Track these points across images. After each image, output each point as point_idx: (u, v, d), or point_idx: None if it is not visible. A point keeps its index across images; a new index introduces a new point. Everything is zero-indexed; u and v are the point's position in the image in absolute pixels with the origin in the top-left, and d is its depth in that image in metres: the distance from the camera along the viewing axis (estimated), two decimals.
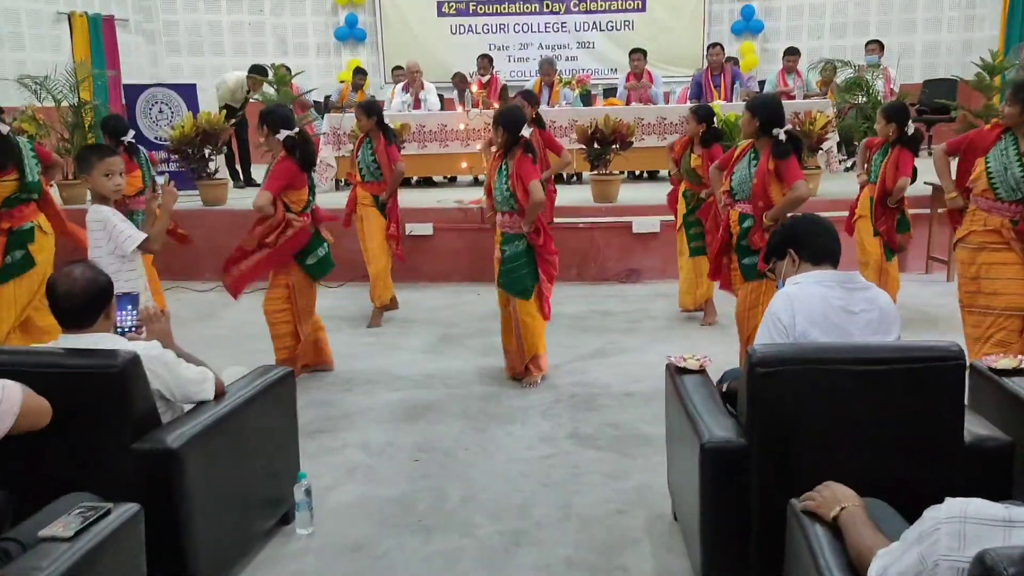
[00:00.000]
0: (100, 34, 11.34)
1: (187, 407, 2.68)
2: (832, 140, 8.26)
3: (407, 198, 7.85)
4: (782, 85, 9.54)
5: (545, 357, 4.76)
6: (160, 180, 3.92)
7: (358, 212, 5.99)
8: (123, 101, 9.31)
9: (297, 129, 4.49)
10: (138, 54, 12.24)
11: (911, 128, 5.24)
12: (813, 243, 2.70)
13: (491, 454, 3.77)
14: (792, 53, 9.76)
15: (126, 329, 2.76)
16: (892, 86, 9.09)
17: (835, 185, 7.68)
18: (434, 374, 4.89)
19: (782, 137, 3.96)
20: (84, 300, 2.48)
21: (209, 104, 8.95)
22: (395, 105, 9.22)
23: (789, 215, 2.94)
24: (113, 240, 3.56)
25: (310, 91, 9.05)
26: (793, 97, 9.15)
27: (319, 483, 3.43)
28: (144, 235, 3.61)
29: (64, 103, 7.95)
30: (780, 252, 2.81)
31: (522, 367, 4.68)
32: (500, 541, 3.05)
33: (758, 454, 2.30)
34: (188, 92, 8.48)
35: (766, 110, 4.03)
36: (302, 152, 4.40)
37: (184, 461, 2.39)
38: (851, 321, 2.53)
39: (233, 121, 8.16)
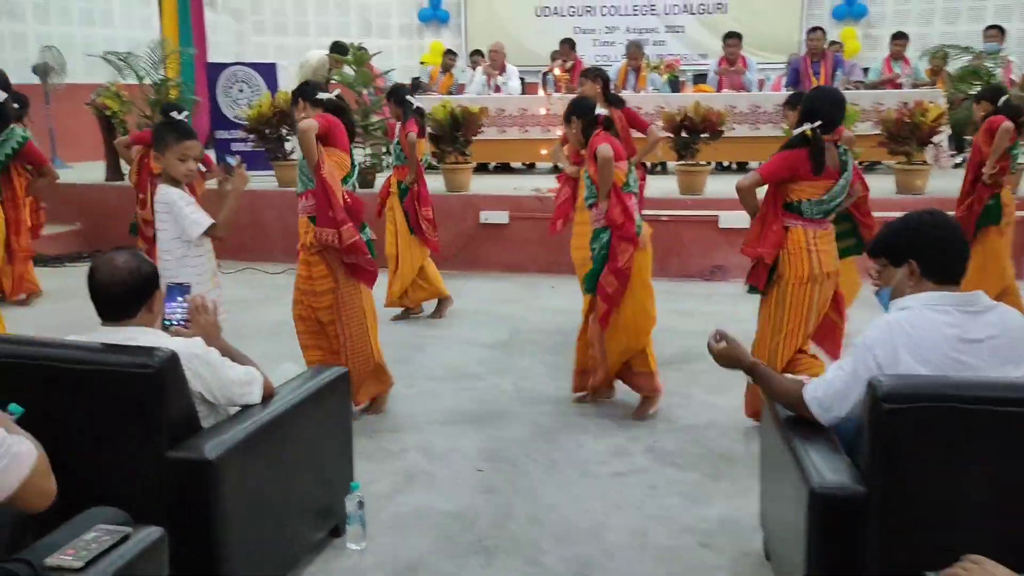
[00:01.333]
0: (188, 12, 11.36)
1: (232, 410, 2.46)
2: (943, 133, 7.60)
3: (483, 183, 7.63)
4: (887, 72, 8.89)
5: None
6: (232, 162, 3.70)
7: (388, 202, 5.67)
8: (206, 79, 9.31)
9: (335, 93, 4.08)
10: (225, 33, 12.30)
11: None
12: (943, 257, 2.23)
13: (560, 467, 3.47)
14: (900, 37, 9.07)
15: (174, 322, 2.56)
16: (1012, 76, 8.33)
17: (945, 182, 7.04)
18: (503, 373, 4.61)
19: (805, 130, 3.44)
20: (124, 290, 2.28)
21: (290, 84, 8.85)
22: (474, 88, 8.95)
23: (916, 211, 2.31)
24: (179, 224, 3.36)
25: (388, 71, 8.85)
26: (900, 86, 8.50)
27: (375, 489, 3.21)
28: (211, 220, 3.39)
29: (147, 80, 7.95)
30: (896, 257, 2.29)
31: (602, 384, 4.13)
32: (566, 569, 2.75)
33: (880, 506, 1.93)
34: (268, 71, 8.39)
35: (806, 102, 3.65)
36: (345, 119, 3.97)
37: (222, 472, 2.17)
38: (972, 352, 2.08)
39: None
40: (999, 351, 2.10)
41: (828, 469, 2.05)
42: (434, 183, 7.40)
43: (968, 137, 8.62)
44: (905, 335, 2.12)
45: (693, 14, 12.46)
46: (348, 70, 7.74)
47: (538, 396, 4.28)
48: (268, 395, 2.51)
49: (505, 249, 7.03)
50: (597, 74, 5.12)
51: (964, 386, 1.93)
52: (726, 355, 2.55)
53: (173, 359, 2.17)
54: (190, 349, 2.32)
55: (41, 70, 8.96)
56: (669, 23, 12.54)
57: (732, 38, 8.72)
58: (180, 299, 2.60)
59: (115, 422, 2.16)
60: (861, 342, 2.20)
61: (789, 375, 2.56)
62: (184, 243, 3.38)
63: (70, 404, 2.17)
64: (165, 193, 3.37)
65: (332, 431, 2.83)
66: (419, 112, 5.61)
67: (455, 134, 7.11)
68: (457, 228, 7.08)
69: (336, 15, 12.63)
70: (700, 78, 9.64)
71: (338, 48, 8.58)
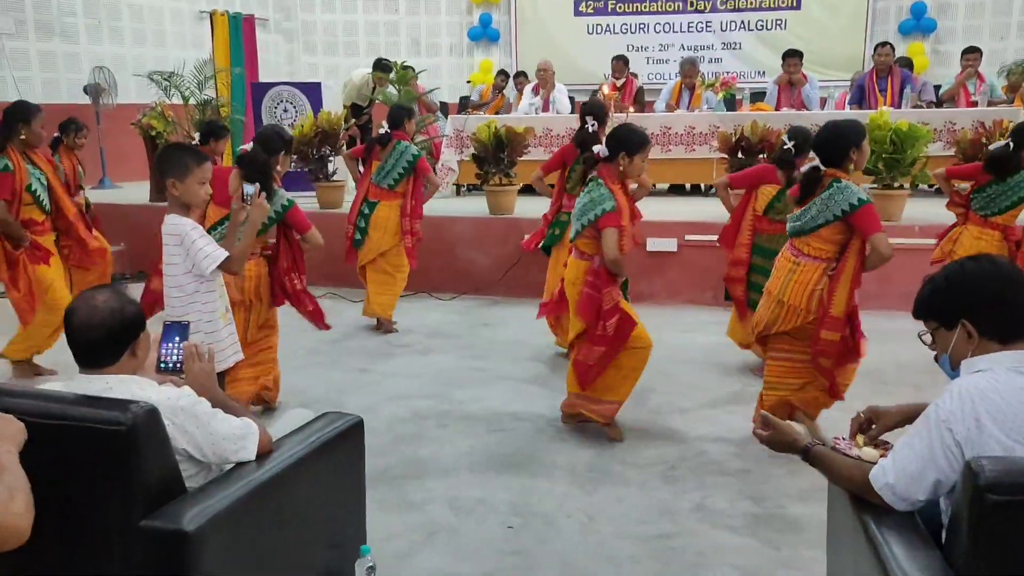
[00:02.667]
0: (240, 32, 11.43)
1: (227, 467, 2.20)
2: None
3: (528, 206, 7.34)
4: (963, 90, 8.36)
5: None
6: (249, 190, 3.34)
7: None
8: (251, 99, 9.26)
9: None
10: (276, 53, 12.33)
11: None
12: (1004, 310, 1.85)
13: (598, 526, 3.13)
14: (972, 51, 8.53)
15: (169, 364, 2.31)
16: None
17: None
18: (541, 414, 4.29)
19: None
20: (103, 334, 2.04)
21: (334, 103, 8.74)
22: (522, 107, 8.70)
23: (960, 260, 1.99)
24: (191, 258, 3.13)
25: (433, 90, 8.66)
26: (975, 104, 7.97)
27: (392, 548, 2.92)
28: (225, 253, 3.16)
29: (192, 100, 7.89)
30: (947, 318, 1.94)
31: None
32: None
33: None
34: (313, 91, 8.26)
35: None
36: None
37: (202, 546, 1.90)
38: None
39: (353, 121, 7.87)
40: None
41: (916, 567, 1.69)
42: (477, 205, 7.18)
43: None
44: (988, 403, 1.75)
45: (751, 31, 12.03)
46: (392, 89, 7.56)
47: (576, 439, 3.95)
48: (266, 450, 2.24)
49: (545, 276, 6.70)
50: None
51: None
52: (776, 442, 2.27)
53: (151, 414, 1.92)
54: (176, 401, 2.06)
55: (92, 90, 9.00)
56: (725, 40, 12.14)
57: (792, 57, 8.29)
58: (178, 339, 2.35)
59: (86, 485, 1.91)
60: (933, 414, 1.83)
61: (849, 456, 2.20)
62: (196, 278, 3.15)
63: (37, 463, 1.92)
64: (176, 223, 3.14)
65: (342, 487, 2.55)
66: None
67: (499, 155, 6.85)
68: (500, 252, 6.81)
69: (386, 35, 12.56)
70: (758, 96, 9.23)
71: (381, 66, 8.43)
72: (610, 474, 3.57)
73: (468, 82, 10.49)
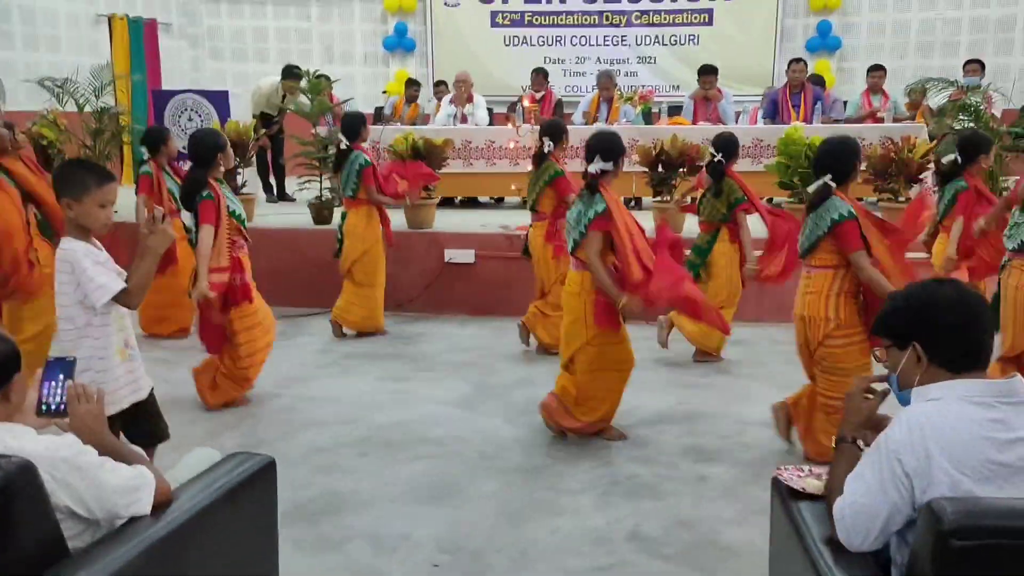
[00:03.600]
0: (141, 37, 10.88)
1: (119, 523, 1.95)
2: (931, 170, 7.29)
3: (448, 220, 7.18)
4: (867, 107, 8.62)
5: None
6: (156, 214, 2.92)
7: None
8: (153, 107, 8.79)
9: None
10: (180, 59, 11.81)
11: None
12: (956, 341, 1.79)
13: (530, 561, 2.98)
14: (877, 70, 8.81)
15: (52, 407, 2.05)
16: (993, 111, 8.08)
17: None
18: (467, 437, 4.11)
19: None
20: None
21: (243, 112, 8.38)
22: (440, 118, 8.52)
23: (927, 281, 1.95)
24: (82, 288, 2.78)
25: (347, 100, 8.39)
26: (881, 120, 8.22)
27: None
28: (121, 285, 2.81)
29: (88, 108, 7.41)
30: (900, 338, 1.88)
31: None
32: None
33: None
34: (220, 99, 7.88)
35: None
36: None
37: None
38: (1020, 455, 1.66)
39: (264, 132, 7.53)
40: None
41: None
42: (395, 219, 6.95)
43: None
44: (939, 434, 1.69)
45: (665, 45, 12.19)
46: (304, 99, 7.26)
47: (504, 464, 3.79)
48: (163, 502, 2.00)
49: (471, 290, 6.55)
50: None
51: None
52: (864, 414, 2.02)
53: (25, 470, 1.66)
54: (55, 452, 1.81)
55: None
56: (641, 54, 12.26)
57: (707, 74, 8.37)
58: (62, 378, 2.08)
59: None
60: (884, 444, 1.76)
61: (793, 488, 2.13)
62: (87, 310, 2.80)
63: None
64: (68, 248, 2.80)
65: (252, 536, 2.32)
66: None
67: None
68: (420, 268, 6.61)
69: (297, 42, 12.19)
70: (675, 110, 9.31)
71: (291, 73, 8.09)
72: (542, 503, 3.42)
73: (383, 92, 10.25)
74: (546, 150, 5.14)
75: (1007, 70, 10.83)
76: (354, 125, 5.73)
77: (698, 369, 5.22)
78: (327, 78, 7.86)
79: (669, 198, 6.65)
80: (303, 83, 7.38)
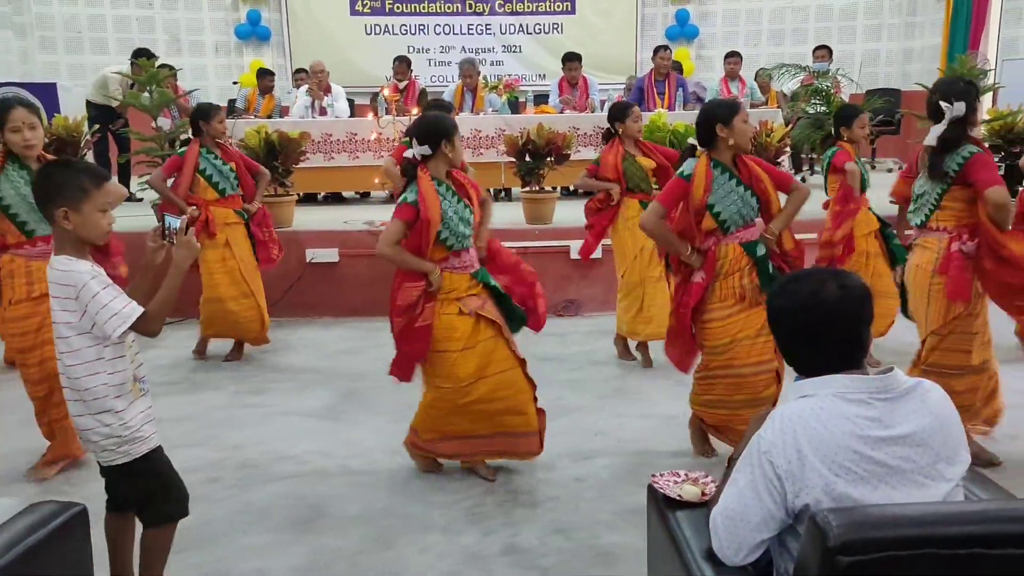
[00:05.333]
0: None
1: None
2: (786, 153, 7.51)
3: (309, 217, 6.81)
4: (726, 92, 8.80)
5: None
6: (174, 224, 2.38)
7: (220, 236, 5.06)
8: None
9: None
10: (6, 50, 10.75)
11: None
12: (815, 344, 1.69)
13: None
14: (733, 56, 9.03)
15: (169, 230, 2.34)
16: (842, 95, 8.43)
17: None
18: (331, 452, 3.82)
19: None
20: None
21: (75, 107, 7.67)
22: (296, 110, 8.09)
23: (794, 275, 1.83)
24: (90, 317, 2.26)
25: (192, 91, 7.83)
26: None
27: None
28: (139, 310, 2.29)
29: None
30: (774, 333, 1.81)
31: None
32: None
33: None
34: (47, 93, 7.19)
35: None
36: None
37: None
38: (898, 452, 1.57)
39: (97, 128, 6.88)
40: (928, 448, 1.59)
41: None
42: None
43: (808, 156, 8.71)
44: (811, 432, 1.58)
45: (530, 34, 12.12)
46: (144, 93, 6.67)
47: (372, 480, 3.53)
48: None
49: (336, 291, 6.22)
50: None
51: (942, 519, 1.38)
52: None
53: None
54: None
55: None
56: (506, 43, 12.14)
57: (572, 60, 8.33)
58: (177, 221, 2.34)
59: None
60: (755, 446, 1.64)
61: (668, 496, 2.02)
62: (97, 341, 2.30)
63: None
64: (68, 269, 2.28)
65: None
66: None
67: (273, 163, 6.24)
68: (280, 269, 6.17)
69: (140, 31, 11.34)
70: (541, 99, 9.23)
71: (144, 54, 7.38)
72: (411, 519, 3.18)
73: (234, 84, 9.65)
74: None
75: (852, 56, 11.38)
76: (192, 118, 5.12)
77: (573, 362, 5.10)
78: (170, 67, 7.28)
79: (538, 188, 6.53)
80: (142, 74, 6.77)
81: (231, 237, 5.07)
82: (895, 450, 1.57)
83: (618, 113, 4.87)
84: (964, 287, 3.29)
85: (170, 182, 5.03)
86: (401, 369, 3.47)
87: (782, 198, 3.49)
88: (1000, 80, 9.36)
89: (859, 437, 1.57)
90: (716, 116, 3.32)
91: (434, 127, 3.35)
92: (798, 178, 8.58)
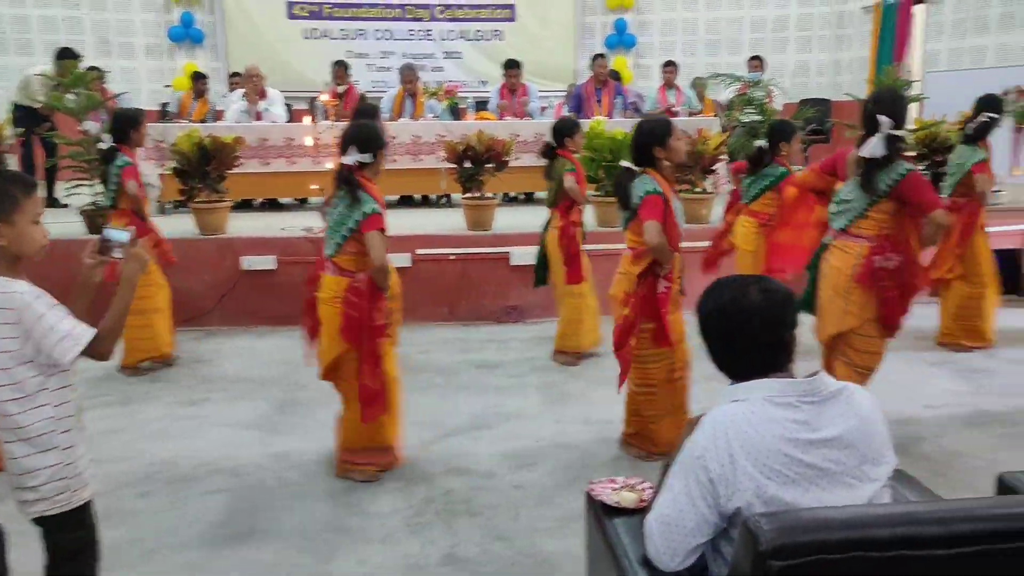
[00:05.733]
0: None
1: None
2: (723, 161, 7.64)
3: (244, 223, 6.68)
4: (663, 101, 8.93)
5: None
6: (121, 237, 2.19)
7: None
8: None
9: None
10: None
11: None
12: (739, 349, 1.72)
13: None
14: (670, 65, 9.18)
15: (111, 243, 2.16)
16: (775, 104, 8.62)
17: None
18: (266, 463, 3.74)
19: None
20: None
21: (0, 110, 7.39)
22: (231, 115, 7.93)
23: (717, 283, 1.82)
24: (34, 342, 2.02)
25: (120, 95, 7.61)
26: (676, 114, 8.53)
27: None
28: (91, 331, 2.06)
29: None
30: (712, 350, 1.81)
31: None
32: None
33: None
34: None
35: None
36: None
37: None
38: (825, 453, 1.60)
39: (22, 131, 6.63)
40: (854, 448, 1.63)
41: None
42: (184, 225, 6.39)
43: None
44: (742, 436, 1.60)
45: (470, 40, 12.12)
46: (69, 96, 6.45)
47: (308, 491, 3.47)
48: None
49: (273, 299, 6.09)
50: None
51: (871, 522, 1.41)
52: None
53: None
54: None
55: None
56: (446, 49, 12.12)
57: (512, 67, 8.36)
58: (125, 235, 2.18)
59: None
60: (689, 451, 1.66)
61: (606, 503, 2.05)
62: (41, 370, 2.06)
63: None
64: (8, 291, 2.03)
65: None
66: None
67: (205, 168, 6.10)
68: (213, 278, 6.07)
69: (67, 32, 10.95)
70: (481, 105, 9.24)
71: (68, 54, 7.13)
72: (348, 531, 3.13)
73: (167, 87, 9.40)
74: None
75: (784, 66, 11.68)
76: (121, 124, 4.90)
77: (514, 369, 5.10)
78: (96, 69, 7.06)
79: (479, 194, 6.52)
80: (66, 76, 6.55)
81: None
82: (823, 452, 1.61)
83: (569, 131, 5.00)
84: (898, 312, 3.44)
85: None
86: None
87: None
88: (924, 91, 9.73)
89: (788, 440, 1.60)
90: (652, 138, 3.43)
91: (376, 135, 3.38)
92: (734, 185, 8.79)
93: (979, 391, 4.59)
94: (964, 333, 5.26)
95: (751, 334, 1.69)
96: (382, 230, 3.30)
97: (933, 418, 4.14)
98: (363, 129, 3.45)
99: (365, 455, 3.51)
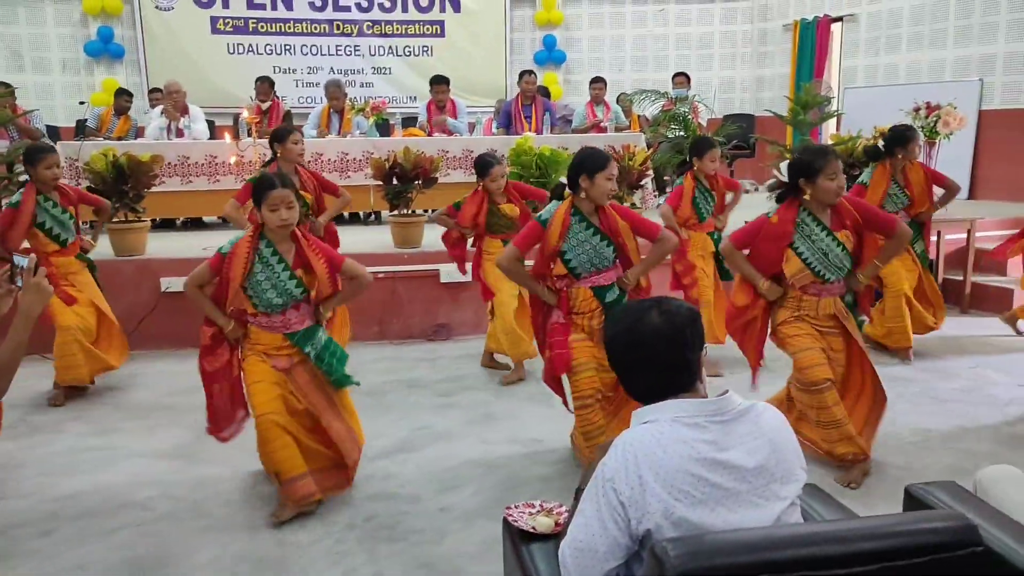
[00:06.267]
0: None
1: None
2: (649, 176, 7.74)
3: (164, 244, 6.47)
4: (591, 117, 9.01)
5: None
6: (22, 263, 2.09)
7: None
8: None
9: None
10: None
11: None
12: (643, 370, 1.72)
13: None
14: (598, 81, 9.25)
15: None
16: (700, 120, 8.80)
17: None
18: (181, 495, 3.59)
19: None
20: None
21: None
22: (150, 131, 7.70)
23: (625, 308, 1.82)
24: None
25: (32, 111, 7.32)
26: (605, 129, 8.62)
27: None
28: None
29: None
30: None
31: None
32: None
33: None
34: None
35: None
36: None
37: None
38: (734, 473, 1.60)
39: None
40: (764, 467, 1.63)
41: None
42: (100, 246, 6.15)
43: (669, 178, 9.01)
44: (651, 458, 1.59)
45: (399, 56, 12.05)
46: None
47: (226, 523, 3.34)
48: None
49: (195, 321, 5.86)
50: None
51: (774, 544, 1.40)
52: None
53: None
54: None
55: None
56: (376, 64, 12.02)
57: (440, 83, 8.31)
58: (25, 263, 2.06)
59: None
60: (600, 474, 1.64)
61: (522, 529, 2.03)
62: None
63: None
64: None
65: None
66: None
67: (122, 187, 5.89)
68: (131, 300, 5.85)
69: None
70: (410, 121, 9.18)
71: None
72: (266, 563, 3.02)
73: (81, 103, 9.08)
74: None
75: (709, 83, 11.93)
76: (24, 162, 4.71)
77: (442, 388, 5.04)
78: (6, 85, 6.78)
79: (409, 211, 6.45)
80: None
81: (78, 283, 4.80)
82: (731, 472, 1.60)
83: (480, 170, 4.94)
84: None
85: None
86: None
87: None
88: (842, 107, 10.05)
89: (696, 460, 1.58)
90: (583, 167, 3.39)
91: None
92: (661, 199, 8.92)
93: (895, 400, 4.70)
94: (887, 334, 5.41)
95: (653, 357, 1.68)
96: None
97: None
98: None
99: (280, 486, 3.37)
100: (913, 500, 2.08)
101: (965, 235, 6.72)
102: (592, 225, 3.42)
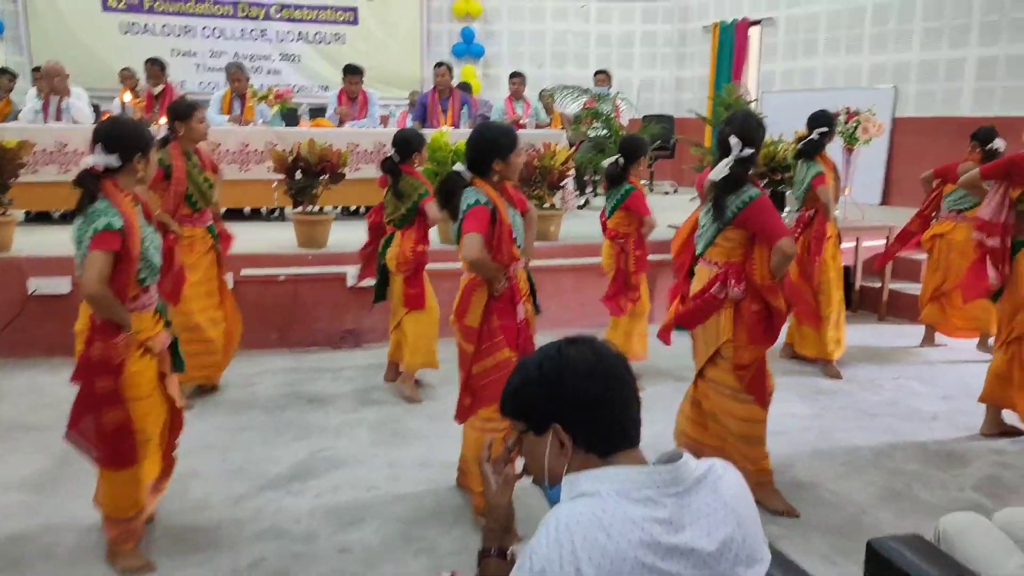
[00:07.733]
0: None
1: None
2: (571, 176, 7.45)
3: (38, 239, 5.81)
4: (510, 113, 8.68)
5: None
6: None
7: None
8: None
9: None
10: None
11: None
12: (597, 417, 1.37)
13: None
14: (517, 76, 8.94)
15: None
16: (622, 120, 8.58)
17: (577, 227, 6.83)
18: (32, 534, 3.09)
19: None
20: None
21: None
22: (25, 114, 6.97)
23: (558, 343, 1.45)
24: None
25: None
26: (523, 126, 8.30)
27: None
28: None
29: None
30: (537, 420, 1.42)
31: None
32: None
33: None
34: None
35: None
36: None
37: None
38: (691, 561, 1.29)
39: None
40: (727, 547, 1.32)
41: None
42: None
43: (590, 178, 8.78)
44: (592, 545, 1.25)
45: (310, 43, 11.46)
46: None
47: (84, 567, 2.86)
48: None
49: (67, 328, 5.28)
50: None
51: None
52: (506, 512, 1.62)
53: None
54: None
55: None
56: (284, 51, 11.40)
57: (352, 73, 7.81)
58: None
59: None
60: (528, 560, 1.29)
61: None
62: None
63: None
64: None
65: None
66: None
67: None
68: None
69: None
70: (318, 112, 8.65)
71: None
72: None
73: None
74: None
75: (630, 82, 11.77)
76: None
77: (346, 404, 4.61)
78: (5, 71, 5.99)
79: (314, 208, 5.97)
80: None
81: None
82: (687, 558, 1.28)
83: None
84: (766, 336, 3.25)
85: None
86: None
87: None
88: (761, 110, 10.02)
89: (648, 546, 1.26)
90: (495, 149, 3.05)
91: (132, 134, 2.79)
92: (582, 200, 8.68)
93: (822, 413, 4.55)
94: (805, 343, 5.28)
95: (625, 390, 1.38)
96: (110, 250, 2.65)
97: (785, 445, 4.01)
98: (115, 126, 2.84)
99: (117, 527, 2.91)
100: (878, 557, 1.82)
101: (884, 242, 6.69)
102: (510, 203, 3.15)
